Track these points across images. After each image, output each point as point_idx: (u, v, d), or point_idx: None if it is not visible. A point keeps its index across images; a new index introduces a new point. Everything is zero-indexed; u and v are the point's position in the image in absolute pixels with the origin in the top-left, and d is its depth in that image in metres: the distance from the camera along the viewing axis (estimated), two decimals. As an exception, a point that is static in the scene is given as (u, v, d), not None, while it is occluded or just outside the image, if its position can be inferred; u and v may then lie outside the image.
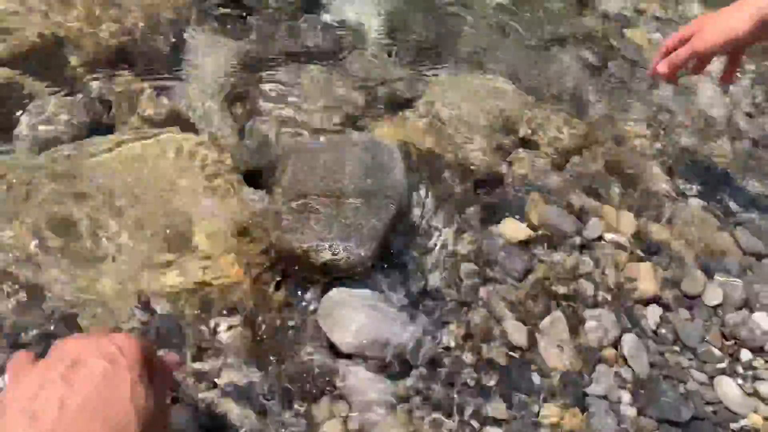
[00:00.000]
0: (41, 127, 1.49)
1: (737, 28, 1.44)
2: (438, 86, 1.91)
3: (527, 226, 1.58)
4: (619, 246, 1.61)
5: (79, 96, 1.55)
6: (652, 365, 1.43)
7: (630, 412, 1.35)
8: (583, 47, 2.19)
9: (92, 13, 1.70)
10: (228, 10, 1.91)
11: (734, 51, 1.54)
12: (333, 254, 1.32)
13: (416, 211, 1.52)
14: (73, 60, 1.62)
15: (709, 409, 1.39)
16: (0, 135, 1.47)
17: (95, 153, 1.45)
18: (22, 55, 1.56)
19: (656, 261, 1.62)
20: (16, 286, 1.22)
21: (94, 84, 1.59)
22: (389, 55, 1.96)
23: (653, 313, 1.52)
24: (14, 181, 1.36)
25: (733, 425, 1.37)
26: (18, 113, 1.50)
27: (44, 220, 1.31)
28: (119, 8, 1.74)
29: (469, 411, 1.26)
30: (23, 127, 1.48)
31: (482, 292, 1.43)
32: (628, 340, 1.45)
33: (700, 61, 1.54)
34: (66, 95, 1.55)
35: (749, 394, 1.42)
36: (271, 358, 1.25)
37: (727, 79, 1.64)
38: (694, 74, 1.67)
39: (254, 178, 1.54)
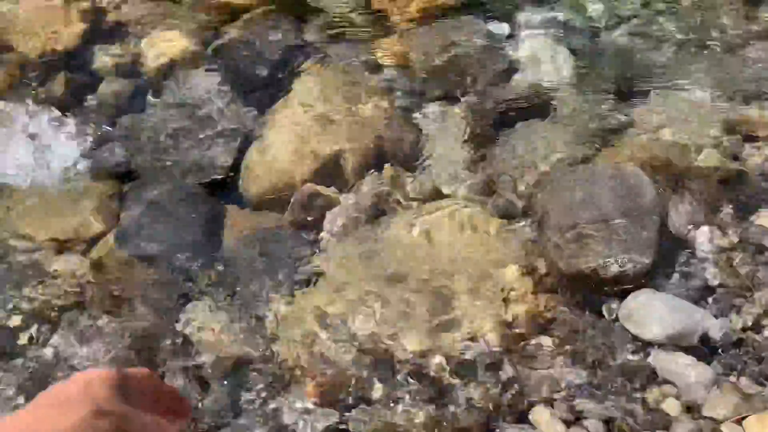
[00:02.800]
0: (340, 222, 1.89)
1: None
2: (643, 110, 2.07)
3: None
4: None
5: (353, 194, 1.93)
6: None
7: None
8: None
9: (353, 134, 2.09)
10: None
11: None
12: (620, 266, 1.54)
13: (674, 219, 1.69)
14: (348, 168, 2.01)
15: None
16: (312, 234, 1.86)
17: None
18: (318, 170, 1.97)
19: None
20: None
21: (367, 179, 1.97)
22: (590, 95, 2.19)
23: None
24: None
25: None
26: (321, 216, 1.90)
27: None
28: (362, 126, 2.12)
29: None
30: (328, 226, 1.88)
31: (761, 274, 1.56)
32: None
33: None
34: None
35: None
36: (590, 360, 1.47)
37: None
38: None
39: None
